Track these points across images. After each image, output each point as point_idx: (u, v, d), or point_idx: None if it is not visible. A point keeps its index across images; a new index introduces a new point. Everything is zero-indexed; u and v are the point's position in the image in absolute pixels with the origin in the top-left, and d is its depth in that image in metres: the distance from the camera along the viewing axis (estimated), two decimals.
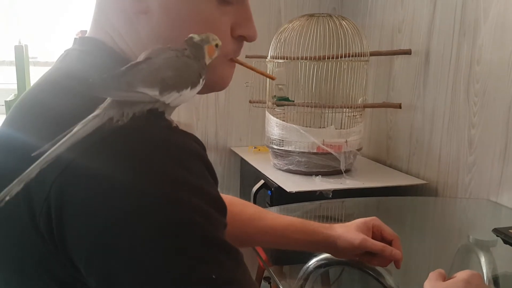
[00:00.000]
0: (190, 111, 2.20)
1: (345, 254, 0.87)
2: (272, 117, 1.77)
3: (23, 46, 1.91)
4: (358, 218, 0.89)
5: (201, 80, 0.51)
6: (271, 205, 1.63)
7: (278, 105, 1.83)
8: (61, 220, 0.42)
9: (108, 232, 0.41)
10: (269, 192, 1.65)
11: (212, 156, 2.26)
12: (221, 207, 0.49)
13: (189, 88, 0.49)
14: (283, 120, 1.80)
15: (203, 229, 0.44)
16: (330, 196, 1.55)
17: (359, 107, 1.77)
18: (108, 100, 0.45)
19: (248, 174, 2.01)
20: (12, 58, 1.91)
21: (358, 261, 0.88)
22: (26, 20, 2.07)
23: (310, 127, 1.78)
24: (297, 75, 1.74)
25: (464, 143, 1.53)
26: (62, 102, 0.50)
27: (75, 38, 0.59)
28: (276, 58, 1.76)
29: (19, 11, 2.06)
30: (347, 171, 1.74)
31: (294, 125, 1.69)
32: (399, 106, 1.71)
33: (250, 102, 1.93)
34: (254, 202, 1.71)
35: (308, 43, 1.69)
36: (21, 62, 1.86)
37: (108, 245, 0.41)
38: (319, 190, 1.55)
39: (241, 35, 0.58)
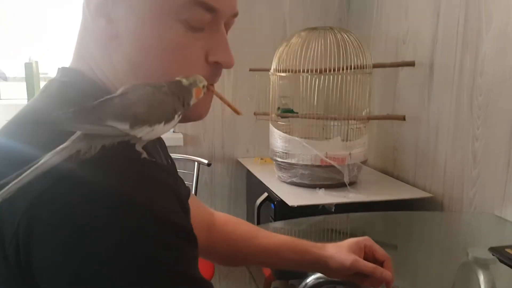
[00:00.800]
0: (197, 123, 2.21)
1: (336, 275, 0.86)
2: (275, 129, 1.77)
3: (33, 63, 1.95)
4: (362, 233, 0.88)
5: (176, 116, 0.51)
6: (275, 219, 1.62)
7: (282, 117, 1.84)
8: (29, 253, 0.43)
9: (74, 266, 0.42)
10: (272, 205, 1.65)
11: (219, 168, 2.27)
12: (192, 239, 0.48)
13: (162, 123, 0.49)
14: (288, 132, 1.80)
15: (171, 264, 0.44)
16: (333, 210, 1.54)
17: (363, 119, 1.76)
18: (78, 133, 0.45)
19: (253, 186, 2.01)
20: (24, 75, 1.96)
21: (352, 281, 0.88)
22: (37, 37, 2.11)
23: (315, 139, 1.78)
24: (301, 87, 1.74)
25: (468, 156, 1.51)
26: (31, 135, 0.50)
27: (58, 68, 0.60)
28: (279, 71, 1.77)
29: (30, 28, 2.10)
30: (352, 183, 1.73)
31: (296, 138, 1.69)
32: (403, 118, 1.70)
33: (254, 114, 1.94)
34: (258, 216, 1.72)
35: (310, 56, 1.69)
36: (31, 79, 1.90)
37: (74, 280, 0.42)
38: (321, 204, 1.54)
39: (216, 62, 0.57)
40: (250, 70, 1.93)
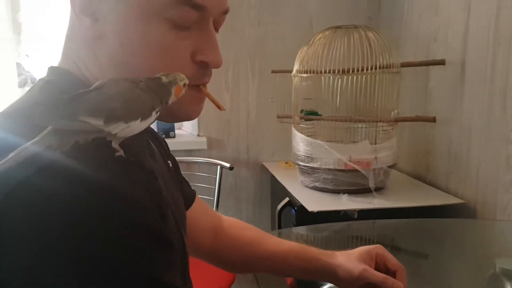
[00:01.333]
0: (221, 127, 2.19)
1: (345, 284, 0.82)
2: (297, 132, 1.72)
3: None
4: (385, 241, 0.83)
5: (153, 113, 0.49)
6: (296, 224, 1.57)
7: (306, 120, 1.78)
8: None
9: (38, 271, 0.40)
10: (293, 210, 1.60)
11: (244, 172, 2.24)
12: (166, 242, 0.46)
13: (138, 120, 0.47)
14: (312, 136, 1.75)
15: (143, 269, 0.43)
16: (356, 216, 1.47)
17: (391, 121, 1.68)
18: (49, 127, 0.44)
19: (277, 191, 1.97)
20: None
21: None
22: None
23: (340, 142, 1.72)
24: (325, 88, 1.68)
25: (501, 160, 1.41)
26: (9, 129, 0.49)
27: (47, 67, 0.59)
28: (301, 72, 1.72)
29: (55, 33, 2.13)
30: (379, 189, 1.66)
31: (319, 141, 1.63)
32: (433, 120, 1.61)
33: (277, 117, 1.89)
34: (279, 221, 1.67)
35: (333, 56, 1.63)
36: None
37: (38, 284, 0.40)
38: (343, 210, 1.48)
39: (203, 61, 0.55)
40: (272, 72, 1.88)
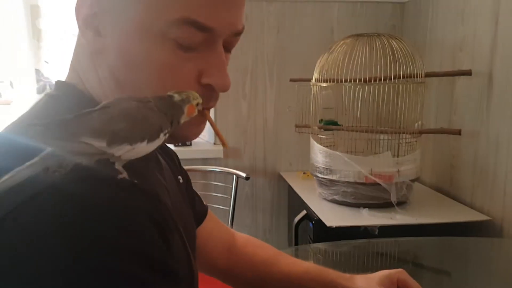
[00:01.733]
0: (237, 135, 2.15)
1: None
2: (315, 143, 1.67)
3: None
4: (406, 259, 0.78)
5: (161, 135, 0.46)
6: (314, 239, 1.52)
7: (325, 130, 1.73)
8: None
9: None
10: (310, 224, 1.54)
11: (260, 181, 2.19)
12: (168, 272, 0.44)
13: (145, 142, 0.44)
14: (331, 146, 1.69)
15: None
16: (376, 233, 1.41)
17: (414, 133, 1.62)
18: (49, 148, 0.40)
19: (294, 202, 1.91)
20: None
21: None
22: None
23: (361, 154, 1.66)
24: (345, 98, 1.62)
25: None
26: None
27: (55, 82, 0.58)
28: (320, 81, 1.66)
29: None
30: (401, 203, 1.59)
31: (338, 153, 1.58)
32: (458, 133, 1.54)
33: (295, 126, 1.84)
34: (296, 235, 1.61)
35: (355, 64, 1.57)
36: None
37: None
38: (363, 226, 1.42)
39: (209, 84, 0.52)
40: (291, 80, 1.83)
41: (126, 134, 0.43)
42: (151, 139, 0.45)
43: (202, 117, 0.54)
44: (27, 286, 0.38)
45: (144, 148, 0.45)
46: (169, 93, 0.48)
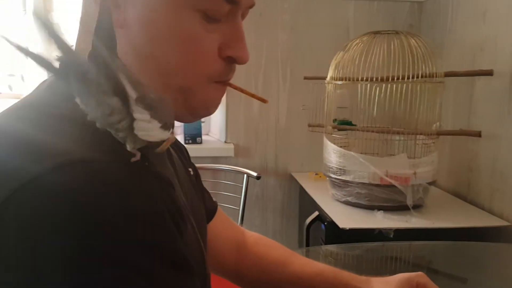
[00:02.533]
0: (249, 134, 2.12)
1: None
2: (329, 143, 1.62)
3: None
4: (421, 264, 0.75)
5: (171, 130, 0.45)
6: (326, 241, 1.47)
7: (339, 130, 1.68)
8: None
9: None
10: (322, 226, 1.50)
11: (271, 181, 2.15)
12: (178, 260, 0.42)
13: (159, 124, 0.43)
14: (345, 147, 1.65)
15: None
16: (391, 236, 1.36)
17: (432, 134, 1.57)
18: None
19: (305, 203, 1.87)
20: None
21: None
22: None
23: (375, 154, 1.61)
24: (360, 97, 1.58)
25: None
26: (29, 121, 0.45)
27: None
28: (335, 79, 1.62)
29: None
30: (417, 206, 1.54)
31: (352, 153, 1.53)
32: (478, 135, 1.48)
33: (308, 126, 1.80)
34: (307, 237, 1.57)
35: (371, 63, 1.53)
36: None
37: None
38: (378, 229, 1.37)
39: (230, 56, 0.51)
40: (305, 78, 1.79)
41: (154, 104, 0.42)
42: (165, 127, 0.43)
43: (220, 89, 0.54)
44: (30, 274, 0.35)
45: (156, 131, 0.42)
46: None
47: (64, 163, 0.38)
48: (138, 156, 0.43)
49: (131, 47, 0.49)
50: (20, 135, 0.42)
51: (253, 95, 0.56)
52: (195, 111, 0.53)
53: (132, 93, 0.40)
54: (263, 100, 0.56)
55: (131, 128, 0.40)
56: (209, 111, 0.54)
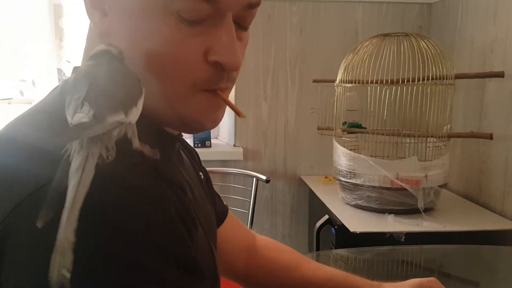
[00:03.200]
0: (258, 137, 2.11)
1: None
2: (339, 146, 1.62)
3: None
4: (433, 268, 0.74)
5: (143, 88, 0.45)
6: (336, 245, 1.46)
7: (349, 132, 1.67)
8: (0, 269, 0.37)
9: None
10: (333, 229, 1.49)
11: (280, 185, 2.15)
12: (189, 264, 0.42)
13: (142, 97, 0.43)
14: (355, 150, 1.64)
15: None
16: (403, 240, 1.35)
17: (443, 137, 1.55)
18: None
19: (315, 207, 1.87)
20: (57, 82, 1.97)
21: None
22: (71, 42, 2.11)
23: (386, 157, 1.60)
24: (370, 100, 1.57)
25: None
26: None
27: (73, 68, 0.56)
28: (344, 82, 1.61)
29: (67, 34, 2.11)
30: (428, 210, 1.53)
31: (362, 156, 1.52)
32: (490, 137, 1.47)
33: (318, 129, 1.79)
34: (317, 240, 1.57)
35: (381, 65, 1.52)
36: None
37: None
38: (389, 232, 1.36)
39: (217, 62, 0.47)
40: (314, 81, 1.79)
41: (128, 99, 0.41)
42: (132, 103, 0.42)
43: (217, 100, 0.50)
44: (40, 273, 0.35)
45: (141, 102, 0.43)
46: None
47: None
48: (146, 148, 0.43)
49: None
50: (32, 140, 0.42)
51: (232, 107, 0.51)
52: (185, 122, 0.50)
53: (121, 117, 0.40)
54: (239, 114, 0.50)
55: (131, 127, 0.41)
56: (201, 124, 0.51)
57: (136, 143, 0.43)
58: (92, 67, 0.43)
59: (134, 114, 0.42)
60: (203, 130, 0.52)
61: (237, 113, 0.51)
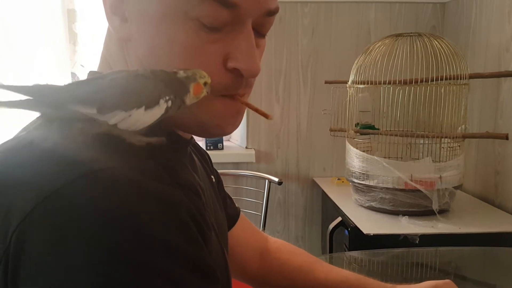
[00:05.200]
0: (270, 139, 2.11)
1: None
2: (352, 147, 1.60)
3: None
4: (448, 270, 0.74)
5: (161, 101, 0.43)
6: (349, 247, 1.45)
7: (361, 134, 1.66)
8: (17, 273, 0.37)
9: None
10: (346, 231, 1.48)
11: (293, 187, 2.14)
12: (203, 268, 0.41)
13: (142, 109, 0.41)
14: (368, 151, 1.62)
15: None
16: (417, 242, 1.34)
17: (457, 137, 1.53)
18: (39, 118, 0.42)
19: (328, 209, 1.85)
20: None
21: None
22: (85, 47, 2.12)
23: (399, 159, 1.58)
24: (383, 100, 1.56)
25: None
26: None
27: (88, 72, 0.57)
28: (357, 83, 1.60)
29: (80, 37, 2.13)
30: (443, 211, 1.51)
31: (376, 157, 1.51)
32: (505, 137, 1.45)
33: (330, 130, 1.78)
34: (331, 242, 1.55)
35: (394, 65, 1.51)
36: None
37: None
38: (403, 234, 1.35)
39: (236, 68, 0.48)
40: (326, 82, 1.78)
41: (116, 101, 0.41)
42: (149, 105, 0.42)
43: (236, 105, 0.51)
44: (58, 275, 0.36)
45: (143, 116, 0.42)
46: (174, 70, 0.46)
47: (87, 172, 0.38)
48: (144, 139, 0.43)
49: (137, 60, 0.49)
50: (43, 147, 0.43)
51: (256, 110, 0.52)
52: (205, 128, 0.51)
53: (88, 111, 0.40)
54: (266, 116, 0.51)
55: (114, 128, 0.41)
56: (222, 129, 0.51)
57: (133, 139, 0.43)
58: (108, 73, 0.44)
59: (118, 118, 0.41)
60: (223, 134, 0.52)
61: (264, 115, 0.52)
